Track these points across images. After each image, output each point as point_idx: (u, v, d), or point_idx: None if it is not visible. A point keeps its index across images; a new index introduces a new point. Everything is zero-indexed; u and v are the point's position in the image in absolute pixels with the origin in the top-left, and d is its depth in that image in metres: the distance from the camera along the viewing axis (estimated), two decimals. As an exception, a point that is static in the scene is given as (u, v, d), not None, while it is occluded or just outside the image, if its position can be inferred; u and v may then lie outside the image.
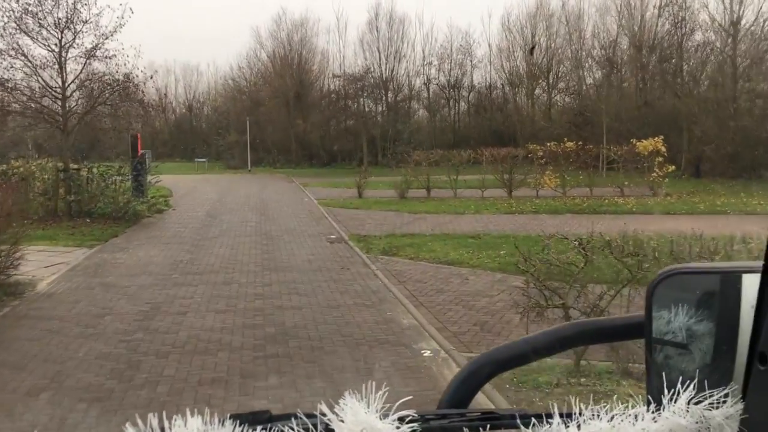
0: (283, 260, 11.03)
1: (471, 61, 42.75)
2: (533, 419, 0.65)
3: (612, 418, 0.64)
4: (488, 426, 0.67)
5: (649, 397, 0.71)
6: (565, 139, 24.45)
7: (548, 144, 20.73)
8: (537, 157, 20.65)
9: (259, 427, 0.61)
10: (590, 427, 0.63)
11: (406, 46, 43.28)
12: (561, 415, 0.64)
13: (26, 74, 16.00)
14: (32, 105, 16.28)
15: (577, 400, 0.65)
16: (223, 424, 0.58)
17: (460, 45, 42.92)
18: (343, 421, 0.61)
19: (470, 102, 43.78)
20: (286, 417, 0.65)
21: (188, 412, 0.58)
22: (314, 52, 44.88)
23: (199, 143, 58.65)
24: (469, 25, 78.29)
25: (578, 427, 0.63)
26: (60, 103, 16.54)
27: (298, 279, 9.48)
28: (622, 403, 0.67)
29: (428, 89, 43.52)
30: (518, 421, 0.65)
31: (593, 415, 0.65)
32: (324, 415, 0.62)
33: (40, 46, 15.89)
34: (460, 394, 0.81)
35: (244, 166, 42.00)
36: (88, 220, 15.69)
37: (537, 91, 41.96)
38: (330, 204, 19.85)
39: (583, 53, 37.79)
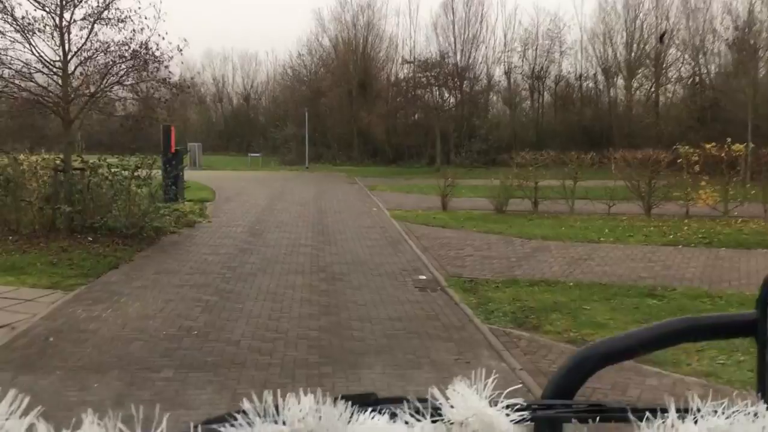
0: (353, 330, 6.67)
1: (560, 47, 37.56)
2: (647, 413, 0.60)
3: (730, 415, 0.60)
4: (597, 418, 0.65)
5: (759, 394, 0.68)
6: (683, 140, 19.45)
7: (706, 146, 15.58)
8: (689, 163, 15.56)
9: (369, 409, 0.60)
10: (707, 423, 0.59)
11: (485, 31, 38.50)
12: (677, 410, 0.60)
13: (14, 41, 12.04)
14: (20, 83, 12.34)
15: (694, 395, 0.61)
16: (335, 404, 0.57)
17: (548, 29, 37.83)
18: (453, 407, 0.59)
19: (557, 94, 38.56)
20: (394, 400, 0.63)
21: (301, 391, 0.57)
22: (381, 37, 40.58)
23: (256, 136, 55.33)
24: (558, 7, 71.90)
25: (695, 422, 0.59)
26: (59, 81, 12.54)
27: (382, 380, 5.17)
28: (741, 401, 0.61)
29: (509, 79, 38.60)
30: (630, 414, 0.61)
31: (711, 411, 0.60)
32: (435, 399, 0.60)
33: (32, 4, 11.92)
34: (564, 385, 0.80)
35: (301, 162, 38.08)
36: (90, 238, 11.68)
37: (636, 81, 36.45)
38: (407, 218, 15.41)
39: (708, 35, 32.11)
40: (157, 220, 12.60)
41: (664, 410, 0.60)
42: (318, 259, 10.71)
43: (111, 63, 12.88)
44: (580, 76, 37.97)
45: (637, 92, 36.71)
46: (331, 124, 41.05)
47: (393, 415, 0.61)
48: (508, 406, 0.61)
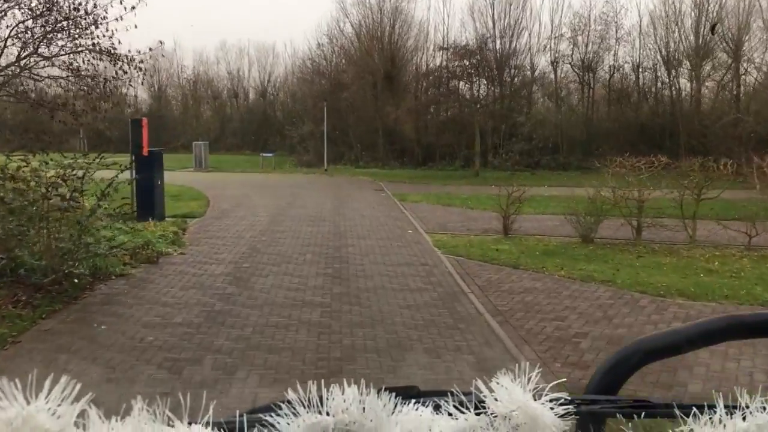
0: None
1: (616, 32, 32.76)
2: (694, 409, 0.60)
3: None
4: (642, 414, 0.64)
5: None
6: None
7: None
8: None
9: (412, 401, 0.60)
10: (756, 419, 0.58)
11: (528, 14, 33.86)
12: (725, 406, 0.59)
13: None
14: None
15: (743, 391, 0.60)
16: (378, 396, 0.57)
17: (602, 12, 33.07)
18: (497, 399, 0.59)
19: (611, 87, 33.79)
20: (438, 393, 0.64)
21: (345, 382, 0.58)
22: (410, 23, 36.12)
23: (273, 134, 51.36)
24: (614, -14, 65.59)
25: (743, 418, 0.58)
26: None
27: None
28: None
29: (555, 70, 33.92)
30: (676, 410, 0.61)
31: (759, 407, 0.60)
32: (479, 391, 0.61)
33: None
34: (608, 380, 0.80)
35: (319, 164, 33.83)
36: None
37: (706, 71, 31.60)
38: (457, 248, 11.06)
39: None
40: (89, 261, 8.38)
41: (712, 406, 0.59)
42: (330, 336, 6.41)
43: (22, 23, 8.64)
44: (638, 66, 33.16)
45: (707, 84, 31.80)
46: (354, 121, 36.74)
47: (437, 407, 0.60)
48: (552, 400, 0.60)
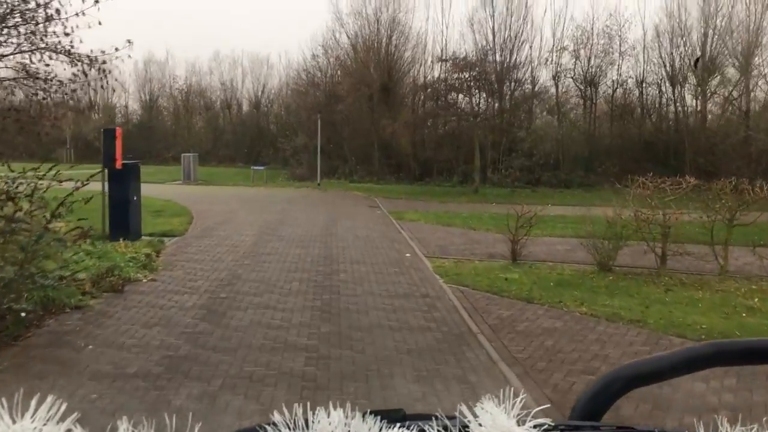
0: None
1: (620, 46, 31.84)
2: None
3: None
4: None
5: None
6: None
7: None
8: None
9: (397, 425, 0.60)
10: None
11: (529, 27, 32.94)
12: None
13: None
14: None
15: (724, 419, 0.59)
16: (364, 419, 0.57)
17: (605, 26, 32.16)
18: (481, 425, 0.59)
19: (614, 102, 32.83)
20: (423, 416, 0.63)
21: (331, 406, 0.58)
22: (407, 34, 35.17)
23: (266, 147, 50.34)
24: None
25: None
26: None
27: None
28: None
29: (557, 84, 32.95)
30: None
31: None
32: (464, 416, 0.61)
33: None
34: (592, 406, 0.79)
35: (313, 177, 32.69)
36: None
37: (712, 87, 30.71)
38: (461, 276, 9.93)
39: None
40: (38, 292, 7.20)
41: None
42: (315, 393, 5.24)
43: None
44: (642, 81, 32.22)
45: (715, 99, 30.86)
46: (348, 134, 35.69)
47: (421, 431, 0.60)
48: (536, 426, 0.60)
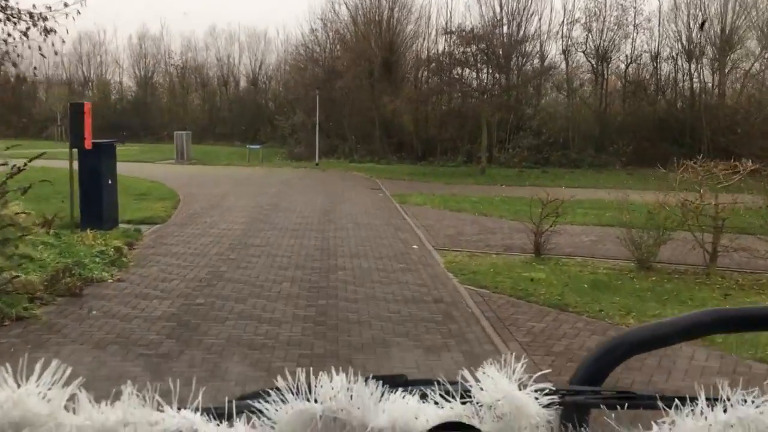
0: None
1: (634, 19, 30.18)
2: (676, 401, 0.61)
3: (761, 404, 0.60)
4: (626, 405, 0.65)
5: None
6: None
7: None
8: None
9: (400, 389, 0.61)
10: (737, 411, 0.59)
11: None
12: (707, 399, 0.60)
13: None
14: None
15: (725, 383, 0.61)
16: (366, 384, 0.59)
17: (620, -4, 30.42)
18: (483, 389, 0.60)
19: (627, 78, 31.25)
20: (425, 381, 0.64)
21: (333, 370, 0.59)
22: (410, 6, 33.52)
23: (264, 124, 48.73)
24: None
25: (724, 411, 0.60)
26: None
27: None
28: None
29: (567, 59, 31.34)
30: (659, 402, 0.62)
31: (740, 399, 0.61)
32: (465, 381, 0.62)
33: None
34: (593, 372, 0.80)
35: (311, 156, 31.26)
36: None
37: (732, 62, 29.13)
38: (477, 274, 8.59)
39: None
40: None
41: (694, 398, 0.60)
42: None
43: None
44: (657, 55, 30.62)
45: (733, 75, 29.31)
46: (348, 112, 34.15)
47: (423, 396, 0.61)
48: (537, 390, 0.61)
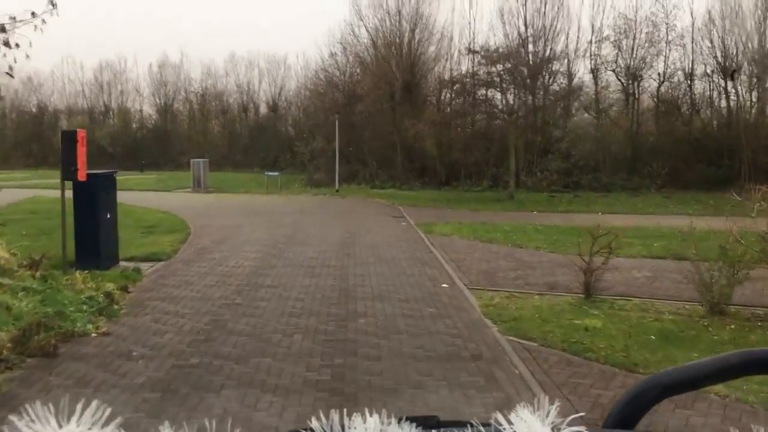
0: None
1: (667, 36, 28.95)
2: None
3: None
4: None
5: None
6: None
7: None
8: None
9: (432, 431, 0.61)
10: None
11: (566, 16, 30.22)
12: None
13: None
14: None
15: (760, 428, 0.59)
16: (399, 425, 0.58)
17: (650, 12, 29.28)
18: None
19: (659, 98, 29.93)
20: (458, 423, 0.64)
21: (366, 412, 0.59)
22: (432, 28, 32.64)
23: (284, 151, 47.98)
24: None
25: None
26: None
27: None
28: None
29: (596, 78, 30.13)
30: None
31: None
32: (499, 424, 0.61)
33: None
34: (626, 414, 0.79)
35: (331, 183, 30.32)
36: None
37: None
38: (523, 324, 7.35)
39: None
40: None
41: None
42: None
43: None
44: (691, 73, 29.28)
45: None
46: (369, 137, 33.23)
47: None
48: None
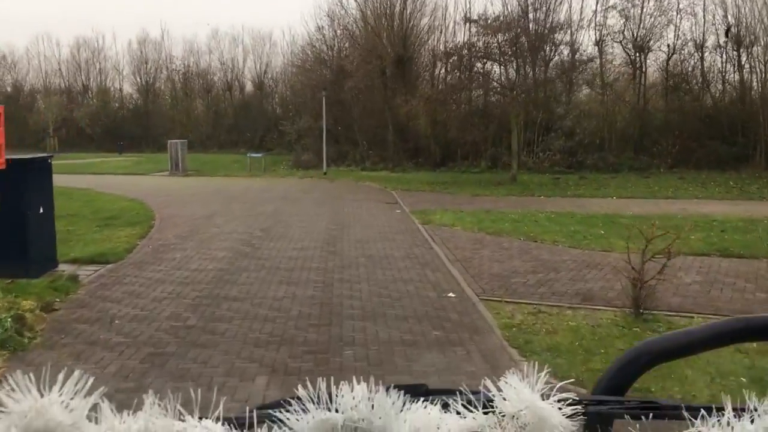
0: None
1: (678, 4, 27.01)
2: (702, 411, 0.59)
3: None
4: (650, 415, 0.63)
5: None
6: None
7: None
8: None
9: (420, 399, 0.61)
10: (764, 422, 0.57)
11: (569, -16, 28.12)
12: (733, 409, 0.58)
13: None
14: None
15: (752, 394, 0.58)
16: (387, 393, 0.58)
17: (659, -22, 27.23)
18: (505, 399, 0.60)
19: (669, 71, 28.04)
20: (446, 391, 0.64)
21: (354, 380, 0.59)
22: (424, -2, 30.47)
23: (270, 130, 45.91)
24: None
25: (751, 421, 0.58)
26: None
27: None
28: None
29: (601, 51, 28.20)
30: (684, 412, 0.60)
31: None
32: (488, 391, 0.61)
33: None
34: (616, 381, 0.80)
35: (319, 164, 28.45)
36: None
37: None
38: (560, 353, 5.55)
39: None
40: None
41: (720, 408, 0.59)
42: None
43: None
44: (702, 44, 27.41)
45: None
46: (359, 115, 31.30)
47: (445, 406, 0.61)
48: (560, 400, 0.61)
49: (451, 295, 7.82)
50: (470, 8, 29.65)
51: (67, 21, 74.24)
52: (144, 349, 5.82)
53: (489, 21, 23.19)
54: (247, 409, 0.59)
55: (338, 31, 33.72)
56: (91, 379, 0.55)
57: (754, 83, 26.85)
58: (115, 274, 8.88)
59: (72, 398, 0.54)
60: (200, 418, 0.56)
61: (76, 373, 0.55)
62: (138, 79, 56.28)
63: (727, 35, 27.16)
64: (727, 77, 27.85)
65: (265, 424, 0.58)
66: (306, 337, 6.23)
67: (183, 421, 0.55)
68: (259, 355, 5.71)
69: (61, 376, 0.55)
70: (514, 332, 6.30)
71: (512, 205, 16.08)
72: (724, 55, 27.36)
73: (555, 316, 6.83)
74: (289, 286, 8.14)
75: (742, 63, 27.08)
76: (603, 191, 19.21)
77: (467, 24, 25.52)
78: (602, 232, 11.57)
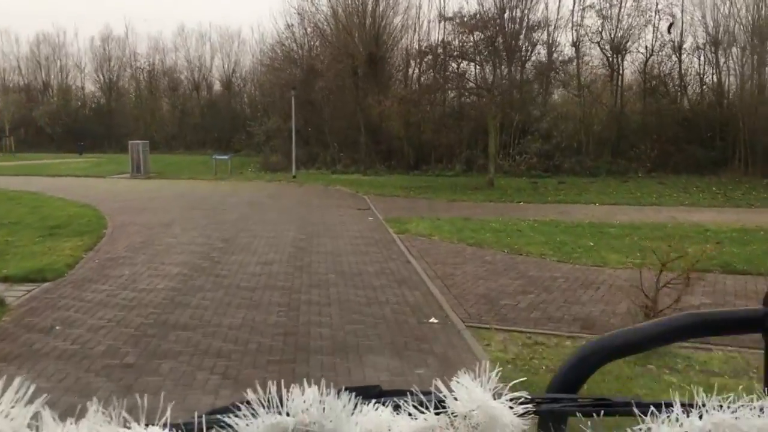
0: None
1: (656, 4, 26.53)
2: (651, 407, 0.59)
3: (736, 409, 0.59)
4: (602, 412, 0.64)
5: (766, 389, 0.66)
6: None
7: None
8: None
9: (372, 400, 0.60)
10: (712, 417, 0.59)
11: (544, -17, 27.53)
12: (682, 405, 0.59)
13: None
14: None
15: (700, 390, 0.60)
16: (338, 396, 0.58)
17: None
18: (456, 399, 0.59)
19: (646, 73, 27.56)
20: (398, 392, 0.64)
21: (305, 382, 0.58)
22: (398, -5, 29.60)
23: (238, 131, 44.65)
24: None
25: (700, 417, 0.59)
26: None
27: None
28: (746, 395, 0.61)
29: (578, 51, 27.61)
30: (635, 408, 0.61)
31: (716, 405, 0.60)
32: (439, 391, 0.61)
33: None
34: (569, 379, 0.79)
35: (288, 167, 27.38)
36: None
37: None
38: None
39: None
40: None
41: (669, 405, 0.59)
42: None
43: None
44: (680, 46, 27.00)
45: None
46: (330, 116, 30.30)
47: (396, 407, 0.60)
48: (512, 399, 0.61)
49: (433, 320, 6.90)
50: (445, 6, 28.95)
51: (27, 16, 71.84)
52: (64, 398, 4.79)
53: (465, 19, 22.40)
54: (196, 414, 0.56)
55: (308, 29, 32.73)
56: (32, 387, 0.52)
57: (733, 86, 26.48)
58: (49, 296, 7.78)
59: (12, 407, 0.52)
60: (146, 425, 0.54)
61: (17, 381, 0.53)
62: (101, 77, 54.52)
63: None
64: (705, 79, 27.48)
65: (214, 430, 0.55)
66: (265, 377, 5.23)
67: (128, 428, 0.52)
68: (207, 403, 4.71)
69: (0, 385, 0.52)
70: (509, 371, 5.40)
71: (492, 212, 15.26)
72: (702, 57, 27.00)
73: (554, 348, 5.95)
74: (249, 311, 7.15)
75: (720, 65, 26.73)
76: (585, 197, 18.50)
77: (442, 22, 24.79)
78: (591, 243, 10.77)
